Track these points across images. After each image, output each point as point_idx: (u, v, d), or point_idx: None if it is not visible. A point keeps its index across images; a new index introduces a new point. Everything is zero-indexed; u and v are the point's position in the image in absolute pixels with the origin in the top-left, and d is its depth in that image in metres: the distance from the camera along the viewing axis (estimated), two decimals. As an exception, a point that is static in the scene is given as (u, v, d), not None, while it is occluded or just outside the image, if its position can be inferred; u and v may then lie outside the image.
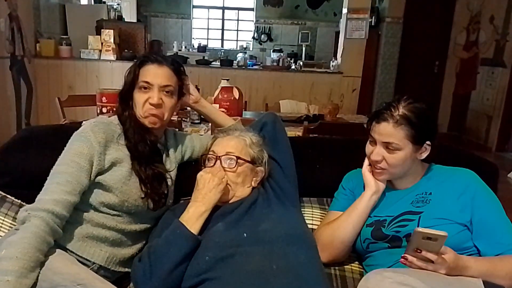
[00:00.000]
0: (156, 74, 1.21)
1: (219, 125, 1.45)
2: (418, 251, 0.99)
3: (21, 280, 0.92)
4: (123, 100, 1.25)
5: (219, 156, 1.25)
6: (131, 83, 1.23)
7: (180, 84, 1.29)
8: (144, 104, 1.21)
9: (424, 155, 1.20)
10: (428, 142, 1.18)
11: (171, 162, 1.33)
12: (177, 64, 1.28)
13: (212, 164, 1.25)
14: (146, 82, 1.21)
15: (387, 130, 1.15)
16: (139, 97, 1.22)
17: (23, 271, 0.93)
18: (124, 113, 1.24)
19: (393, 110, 1.16)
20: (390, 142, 1.15)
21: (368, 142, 1.24)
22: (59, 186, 1.08)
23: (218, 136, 1.36)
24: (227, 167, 1.24)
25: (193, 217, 1.12)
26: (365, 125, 1.27)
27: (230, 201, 1.23)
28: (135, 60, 1.27)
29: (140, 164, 1.21)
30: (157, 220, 1.27)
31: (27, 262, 0.94)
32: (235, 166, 1.24)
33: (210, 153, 1.29)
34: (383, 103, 1.21)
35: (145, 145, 1.22)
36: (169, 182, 1.29)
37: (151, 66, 1.22)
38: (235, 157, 1.25)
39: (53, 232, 1.03)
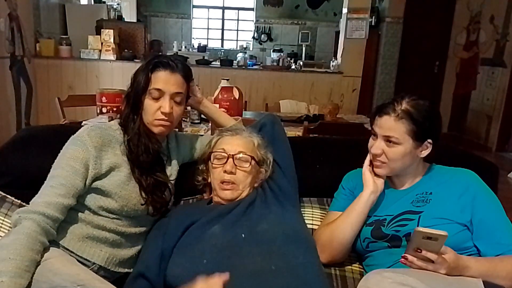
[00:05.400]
0: (168, 81, 1.20)
1: (220, 125, 1.45)
2: (418, 250, 0.98)
3: (15, 280, 0.92)
4: (131, 104, 1.22)
5: (233, 155, 1.25)
6: (142, 88, 1.20)
7: (188, 89, 1.29)
8: (155, 113, 1.20)
9: (425, 153, 1.20)
10: (429, 140, 1.18)
11: (172, 169, 1.32)
12: (188, 71, 1.27)
13: (223, 162, 1.25)
14: (158, 89, 1.19)
15: (388, 124, 1.16)
16: (150, 105, 1.20)
17: (17, 271, 0.93)
18: (130, 120, 1.22)
19: (396, 104, 1.16)
20: (390, 135, 1.16)
21: (371, 136, 1.24)
22: (52, 189, 1.08)
23: (224, 134, 1.35)
24: (240, 166, 1.24)
25: None
26: (365, 125, 1.27)
27: (236, 200, 1.24)
28: (146, 62, 1.24)
29: (141, 172, 1.20)
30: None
31: (20, 262, 0.94)
32: (249, 165, 1.25)
33: (219, 150, 1.28)
34: (388, 99, 1.22)
35: (147, 155, 1.20)
36: (171, 188, 1.28)
37: (163, 73, 1.20)
38: (249, 157, 1.25)
39: (46, 233, 1.03)
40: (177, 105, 1.23)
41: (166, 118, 1.20)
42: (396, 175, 1.25)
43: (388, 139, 1.17)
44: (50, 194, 1.07)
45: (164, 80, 1.20)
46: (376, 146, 1.19)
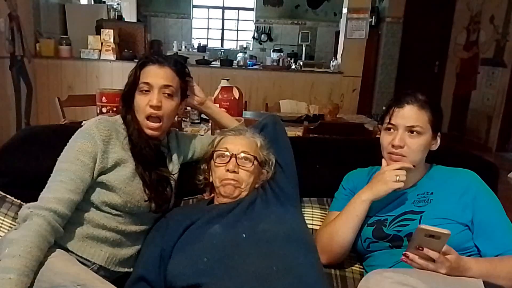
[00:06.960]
0: (156, 75, 1.20)
1: (223, 126, 1.45)
2: (420, 248, 0.98)
3: (22, 279, 0.91)
4: (125, 102, 1.24)
5: (235, 154, 1.25)
6: (132, 84, 1.22)
7: (183, 86, 1.28)
8: (145, 107, 1.20)
9: (435, 147, 1.22)
10: (439, 133, 1.21)
11: (174, 165, 1.32)
12: (180, 65, 1.26)
13: (226, 161, 1.25)
14: (146, 83, 1.19)
15: (412, 113, 1.17)
16: (140, 100, 1.20)
17: (25, 269, 0.93)
18: (128, 115, 1.23)
19: (415, 94, 1.19)
20: (414, 125, 1.16)
21: (383, 132, 1.23)
22: (62, 184, 1.07)
23: (228, 134, 1.35)
24: (243, 166, 1.25)
25: None
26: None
27: (236, 199, 1.24)
28: (137, 61, 1.26)
29: (145, 168, 1.20)
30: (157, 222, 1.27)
31: (29, 261, 0.94)
32: (252, 165, 1.25)
33: (222, 149, 1.28)
34: (400, 93, 1.24)
35: (149, 150, 1.21)
36: (173, 185, 1.29)
37: (152, 67, 1.21)
38: (252, 157, 1.26)
39: (55, 231, 1.03)
40: (167, 99, 1.21)
41: (155, 112, 1.19)
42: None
43: (411, 130, 1.17)
44: (61, 189, 1.06)
45: (153, 74, 1.20)
46: (399, 138, 1.17)
